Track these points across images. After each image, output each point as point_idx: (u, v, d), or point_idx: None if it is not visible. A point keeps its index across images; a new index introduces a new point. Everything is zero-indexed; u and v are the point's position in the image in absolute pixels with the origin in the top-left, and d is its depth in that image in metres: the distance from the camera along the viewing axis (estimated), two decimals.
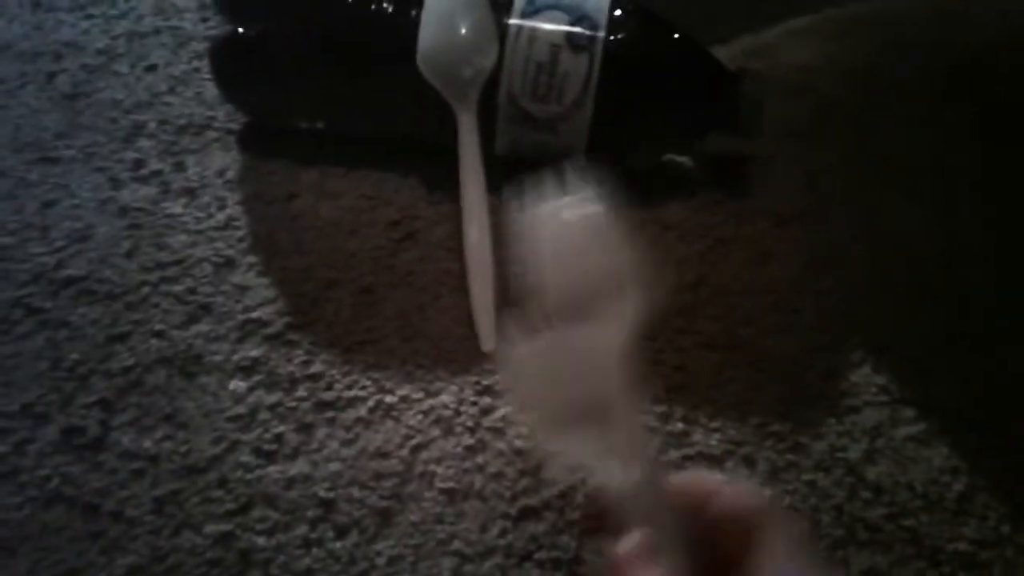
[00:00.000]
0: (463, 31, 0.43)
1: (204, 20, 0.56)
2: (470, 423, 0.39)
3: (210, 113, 0.50)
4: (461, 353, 0.41)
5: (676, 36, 0.45)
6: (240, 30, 0.47)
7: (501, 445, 0.38)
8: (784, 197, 0.48)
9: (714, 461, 0.38)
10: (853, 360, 0.42)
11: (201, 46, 0.54)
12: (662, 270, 0.44)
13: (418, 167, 0.48)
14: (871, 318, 0.43)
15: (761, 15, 0.58)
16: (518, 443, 0.38)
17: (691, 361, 0.41)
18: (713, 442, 0.38)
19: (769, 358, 0.41)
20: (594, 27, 0.44)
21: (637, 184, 0.46)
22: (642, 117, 0.45)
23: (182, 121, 0.50)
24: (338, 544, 0.35)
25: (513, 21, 0.44)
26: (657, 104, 0.45)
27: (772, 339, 0.42)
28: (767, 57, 0.56)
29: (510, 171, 0.36)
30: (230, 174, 0.48)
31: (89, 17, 0.56)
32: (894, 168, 0.50)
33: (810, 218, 0.47)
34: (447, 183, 0.45)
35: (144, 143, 0.49)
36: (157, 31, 0.55)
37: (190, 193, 0.46)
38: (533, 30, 0.44)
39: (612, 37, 0.44)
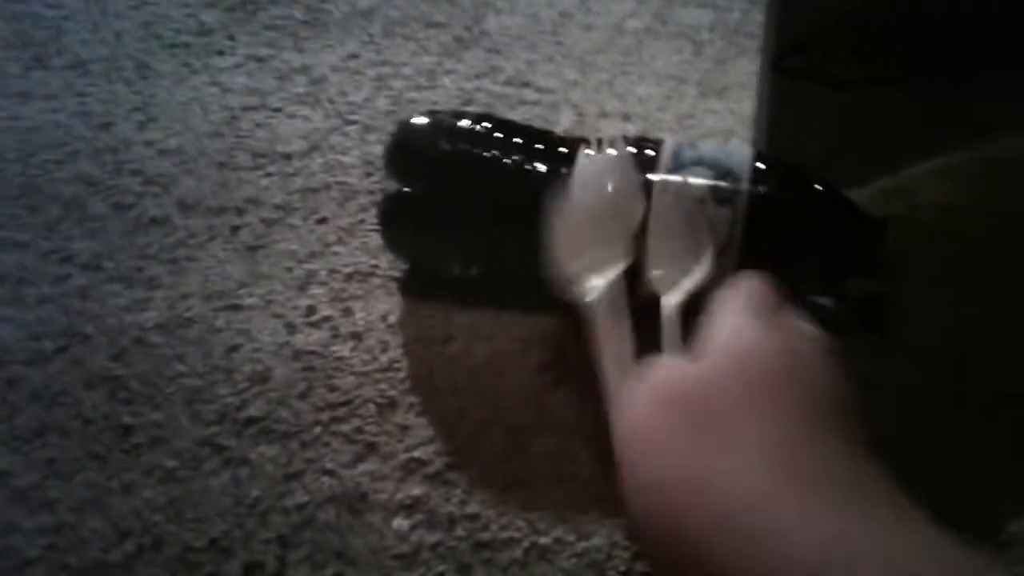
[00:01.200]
0: (610, 191, 0.46)
1: (368, 175, 0.62)
2: (622, 567, 0.40)
3: (374, 262, 0.55)
4: (611, 496, 0.42)
5: (817, 187, 0.47)
6: (405, 188, 0.51)
7: None
8: (934, 341, 0.48)
9: None
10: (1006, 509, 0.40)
11: (366, 199, 0.59)
12: None
13: (566, 311, 0.50)
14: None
15: (898, 157, 0.59)
16: None
17: None
18: None
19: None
20: (737, 181, 0.46)
21: None
22: (785, 264, 0.46)
23: (349, 269, 0.54)
24: None
25: (659, 177, 0.47)
26: (800, 252, 0.46)
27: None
28: (907, 198, 0.57)
29: None
30: (392, 318, 0.51)
31: (268, 175, 0.62)
32: None
33: (964, 364, 0.47)
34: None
35: (316, 290, 0.53)
36: (327, 186, 0.61)
37: (357, 337, 0.50)
38: (678, 185, 0.46)
39: (755, 190, 0.46)
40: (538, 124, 0.56)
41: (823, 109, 0.56)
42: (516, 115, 0.67)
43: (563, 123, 0.66)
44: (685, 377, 0.32)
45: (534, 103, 0.69)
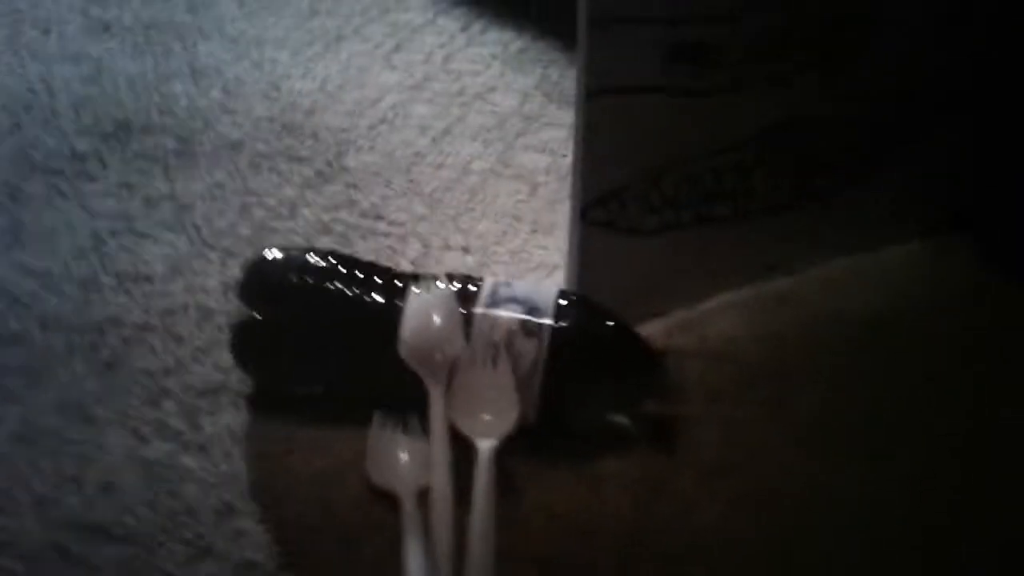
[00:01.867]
0: (436, 324, 0.53)
1: (227, 297, 0.67)
2: None
3: (225, 378, 0.60)
4: None
5: (610, 323, 0.56)
6: (256, 315, 0.57)
7: None
8: (705, 451, 0.57)
9: None
10: None
11: (223, 320, 0.65)
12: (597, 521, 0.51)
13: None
14: (795, 561, 0.50)
15: (693, 292, 0.69)
16: None
17: None
18: None
19: None
20: (542, 315, 0.54)
21: (582, 439, 0.55)
22: (583, 388, 0.55)
23: (201, 386, 0.59)
24: None
25: (478, 310, 0.55)
26: (595, 378, 0.55)
27: None
28: (697, 329, 0.66)
29: None
30: (238, 430, 0.56)
31: (129, 295, 0.67)
32: (806, 424, 0.59)
33: (729, 470, 0.55)
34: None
35: (168, 405, 0.58)
36: (186, 307, 0.66)
37: (203, 448, 0.55)
38: (494, 318, 0.54)
39: (557, 324, 0.54)
40: (388, 254, 0.63)
41: (629, 250, 0.65)
42: (368, 245, 0.74)
43: (410, 254, 0.74)
44: None
45: (385, 234, 0.76)
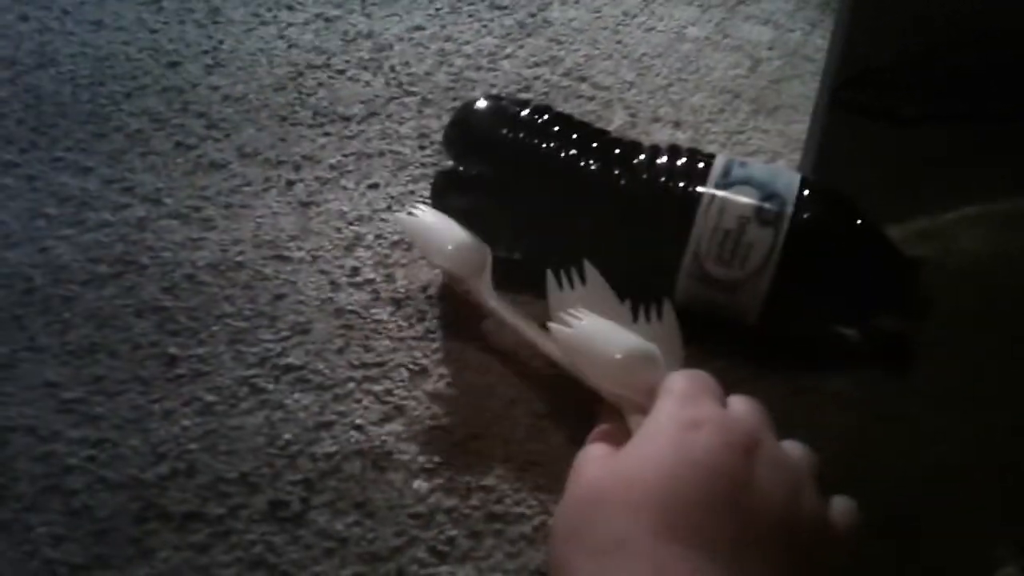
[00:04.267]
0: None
1: (422, 148, 0.63)
2: None
3: None
4: None
5: (859, 221, 0.48)
6: (460, 167, 0.53)
7: None
8: (944, 381, 0.50)
9: None
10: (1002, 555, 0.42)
11: (417, 171, 0.61)
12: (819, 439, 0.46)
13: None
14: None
15: (940, 198, 0.61)
16: None
17: None
18: None
19: (921, 539, 0.43)
20: (782, 204, 0.47)
21: (802, 350, 0.49)
22: (817, 292, 0.48)
23: (395, 237, 0.56)
24: None
25: (707, 190, 0.48)
26: (833, 282, 0.48)
27: (925, 522, 0.43)
28: (940, 241, 0.58)
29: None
30: (432, 290, 0.53)
31: (326, 134, 0.64)
32: None
33: (969, 403, 0.49)
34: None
35: (362, 253, 0.55)
36: (382, 153, 0.63)
37: (396, 303, 0.52)
38: (725, 201, 0.48)
39: (798, 215, 0.47)
40: (591, 120, 0.57)
41: (873, 142, 0.57)
42: (570, 108, 0.68)
43: (616, 122, 0.68)
44: (601, 486, 0.35)
45: (589, 98, 0.70)
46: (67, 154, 0.60)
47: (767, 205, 0.48)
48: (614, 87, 0.72)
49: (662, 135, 0.67)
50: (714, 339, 0.49)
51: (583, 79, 0.73)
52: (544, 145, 0.51)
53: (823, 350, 0.51)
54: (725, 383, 0.40)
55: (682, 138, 0.67)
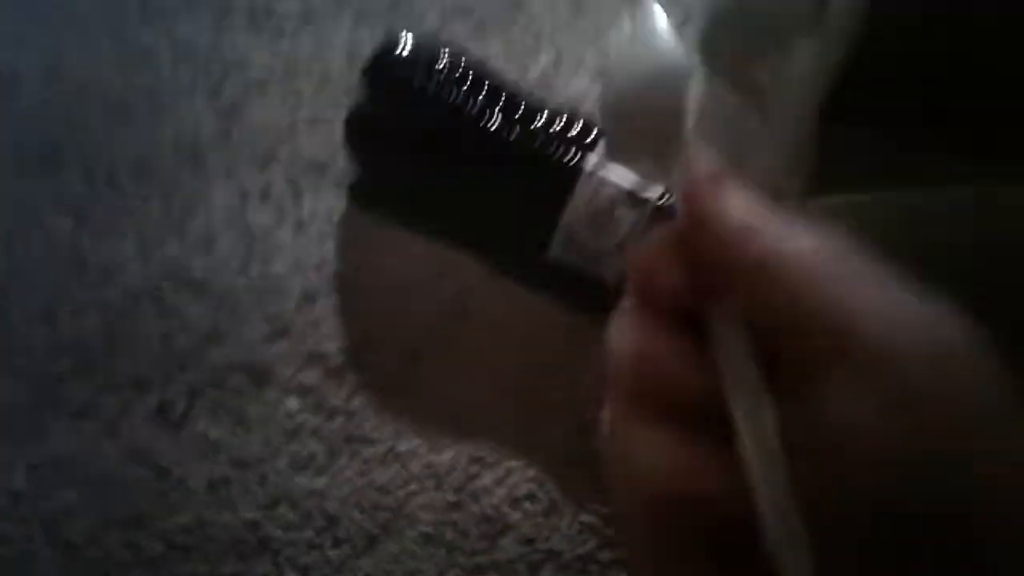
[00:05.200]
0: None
1: (350, 67, 0.66)
2: (457, 483, 0.49)
3: (331, 156, 0.61)
4: (472, 425, 0.51)
5: None
6: (374, 107, 0.57)
7: (475, 508, 0.49)
8: None
9: None
10: None
11: (340, 92, 0.64)
12: None
13: (485, 248, 0.57)
14: None
15: None
16: (489, 511, 0.49)
17: None
18: None
19: None
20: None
21: None
22: None
23: (309, 157, 0.60)
24: (332, 552, 0.46)
25: (588, 168, 0.53)
26: None
27: None
28: None
29: None
30: (336, 216, 0.58)
31: (257, 34, 0.66)
32: None
33: None
34: (511, 267, 0.54)
35: (275, 170, 0.59)
36: (309, 68, 0.65)
37: (300, 225, 0.57)
38: (603, 179, 0.53)
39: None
40: (518, 55, 0.60)
41: None
42: (501, 40, 0.71)
43: (541, 63, 0.71)
44: None
45: (523, 30, 0.73)
46: None
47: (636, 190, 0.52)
48: (545, 26, 0.74)
49: (579, 86, 0.70)
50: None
51: (520, 7, 0.74)
52: (454, 102, 0.55)
53: None
54: None
55: (596, 91, 0.70)
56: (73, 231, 0.53)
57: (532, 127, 0.55)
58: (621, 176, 0.53)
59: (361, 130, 0.58)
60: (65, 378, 0.48)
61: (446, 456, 0.50)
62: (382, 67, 0.57)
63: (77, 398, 0.47)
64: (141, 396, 0.48)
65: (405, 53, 0.57)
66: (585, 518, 0.48)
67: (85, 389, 0.48)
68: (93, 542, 0.43)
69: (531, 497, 0.49)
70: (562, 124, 0.55)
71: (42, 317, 0.49)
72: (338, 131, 0.61)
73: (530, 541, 0.47)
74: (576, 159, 0.54)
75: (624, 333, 0.22)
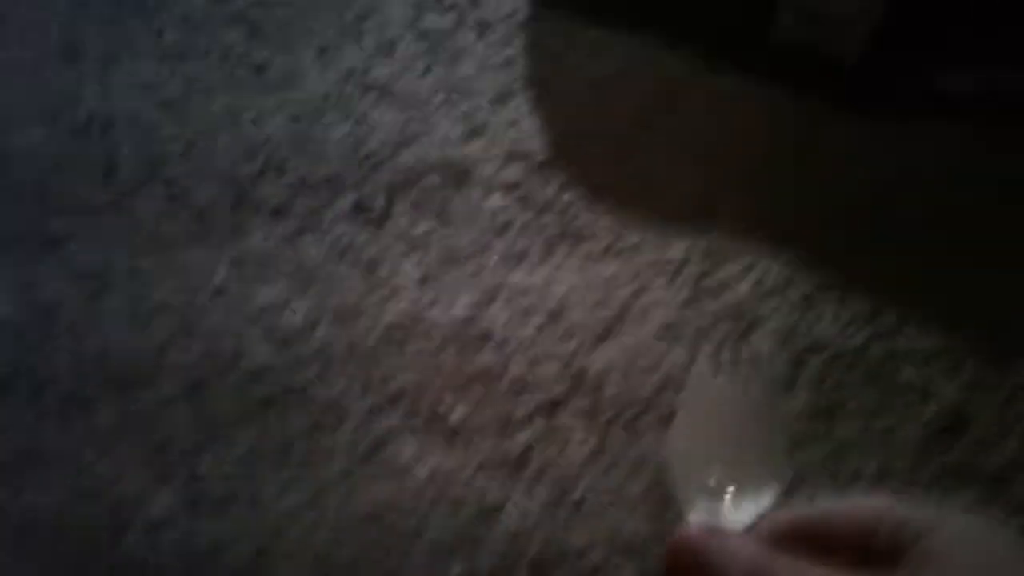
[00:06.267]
0: None
1: None
2: (692, 278, 0.43)
3: None
4: (699, 214, 0.45)
5: None
6: None
7: (715, 304, 0.42)
8: None
9: (916, 360, 0.40)
10: None
11: None
12: None
13: (690, 45, 0.51)
14: None
15: None
16: (732, 305, 0.42)
17: (909, 252, 0.43)
18: (920, 343, 0.41)
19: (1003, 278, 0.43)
20: None
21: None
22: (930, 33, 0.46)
23: None
24: (561, 345, 0.41)
25: None
26: (953, 21, 0.46)
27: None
28: None
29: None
30: (520, 16, 0.52)
31: None
32: None
33: None
34: (714, 63, 0.48)
35: None
36: None
37: (483, 26, 0.52)
38: None
39: None
40: None
41: None
42: None
43: None
44: None
45: None
46: None
47: None
48: None
49: None
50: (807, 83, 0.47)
51: None
52: None
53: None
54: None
55: None
56: (246, 41, 0.49)
57: None
58: None
59: None
60: (254, 181, 0.44)
61: (676, 250, 0.43)
62: None
63: (271, 198, 0.43)
64: (336, 196, 0.44)
65: None
66: (850, 309, 0.41)
67: (278, 189, 0.43)
68: (304, 335, 0.39)
69: (781, 289, 0.42)
70: None
71: (224, 121, 0.45)
72: None
73: (788, 335, 0.40)
74: None
75: None
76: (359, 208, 0.44)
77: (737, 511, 0.26)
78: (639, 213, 0.45)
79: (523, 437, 0.37)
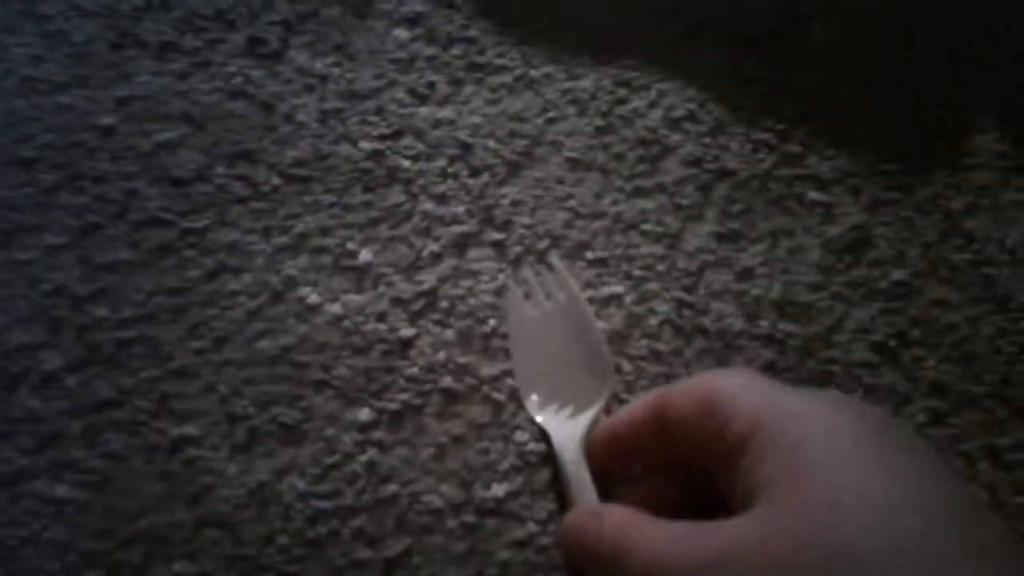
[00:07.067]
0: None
1: None
2: (604, 108, 0.42)
3: None
4: (608, 47, 0.44)
5: None
6: None
7: (628, 132, 0.42)
8: None
9: (821, 184, 0.41)
10: (981, 124, 0.43)
11: None
12: None
13: None
14: (1008, 90, 0.44)
15: None
16: (643, 133, 0.42)
17: (822, 94, 0.43)
18: (825, 168, 0.41)
19: (901, 105, 0.43)
20: None
21: None
22: None
23: None
24: (470, 180, 0.40)
25: None
26: None
27: (907, 87, 0.43)
28: None
29: None
30: None
31: None
32: None
33: None
34: None
35: None
36: None
37: None
38: None
39: None
40: None
41: None
42: None
43: None
44: None
45: None
46: None
47: None
48: None
49: None
50: None
51: None
52: None
53: None
54: None
55: None
56: None
57: None
58: None
59: None
60: (140, 16, 0.41)
61: (587, 81, 0.42)
62: None
63: (157, 36, 0.40)
64: (227, 32, 0.41)
65: None
66: (759, 135, 0.41)
67: (164, 26, 0.41)
68: (200, 177, 0.37)
69: (692, 118, 0.41)
70: None
71: None
72: None
73: (696, 162, 0.40)
74: None
75: None
76: (253, 43, 0.42)
77: (575, 421, 0.31)
78: (549, 45, 0.44)
79: (434, 273, 0.37)
